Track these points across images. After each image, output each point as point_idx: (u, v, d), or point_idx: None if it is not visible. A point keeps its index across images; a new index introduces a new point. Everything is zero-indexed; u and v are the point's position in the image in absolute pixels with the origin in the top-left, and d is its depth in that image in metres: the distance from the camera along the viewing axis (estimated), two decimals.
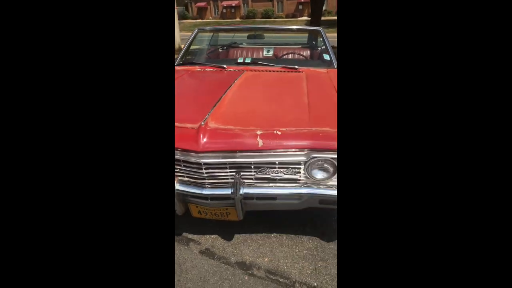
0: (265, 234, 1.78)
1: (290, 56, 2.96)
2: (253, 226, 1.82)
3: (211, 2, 34.62)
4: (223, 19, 32.21)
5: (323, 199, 1.41)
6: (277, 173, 1.37)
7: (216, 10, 34.63)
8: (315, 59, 2.76)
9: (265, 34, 3.18)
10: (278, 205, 1.48)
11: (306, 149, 1.30)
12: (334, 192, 1.38)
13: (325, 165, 1.34)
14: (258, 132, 1.33)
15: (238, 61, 2.51)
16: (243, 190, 1.34)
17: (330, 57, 2.55)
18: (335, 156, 1.30)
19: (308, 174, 1.36)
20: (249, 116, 1.50)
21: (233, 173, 1.38)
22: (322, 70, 2.39)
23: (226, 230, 1.81)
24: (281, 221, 1.87)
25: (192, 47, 2.99)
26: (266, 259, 1.61)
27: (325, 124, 1.38)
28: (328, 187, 1.40)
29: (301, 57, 2.92)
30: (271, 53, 3.10)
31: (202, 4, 34.73)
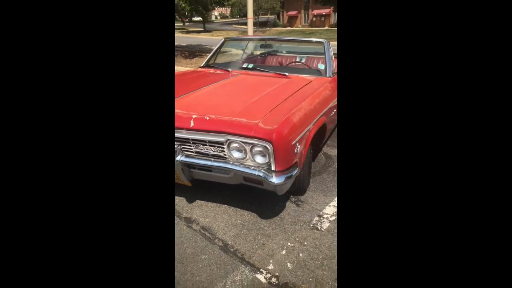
0: (218, 204, 2.20)
1: (293, 64, 3.30)
2: (213, 197, 2.27)
3: (302, 11, 35.32)
4: (311, 27, 32.53)
5: (245, 176, 1.77)
6: (207, 150, 1.79)
7: (306, 19, 35.17)
8: (313, 68, 3.00)
9: (287, 44, 3.56)
10: (215, 177, 1.89)
11: (223, 133, 1.69)
12: (254, 172, 1.72)
13: (239, 147, 1.71)
14: (193, 116, 1.78)
15: (243, 66, 2.97)
16: (181, 158, 1.81)
17: (326, 67, 2.78)
18: (245, 140, 1.65)
19: (229, 153, 1.74)
20: (200, 105, 1.96)
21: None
22: (310, 77, 2.67)
23: (192, 196, 2.30)
24: (235, 197, 2.26)
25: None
26: (207, 220, 2.04)
27: (246, 116, 1.74)
28: (247, 167, 1.75)
29: (305, 66, 3.19)
30: (303, 60, 3.46)
31: (294, 12, 35.71)
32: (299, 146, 1.77)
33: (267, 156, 1.66)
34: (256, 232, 1.90)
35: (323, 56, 2.93)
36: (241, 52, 3.85)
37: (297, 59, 3.99)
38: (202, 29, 27.50)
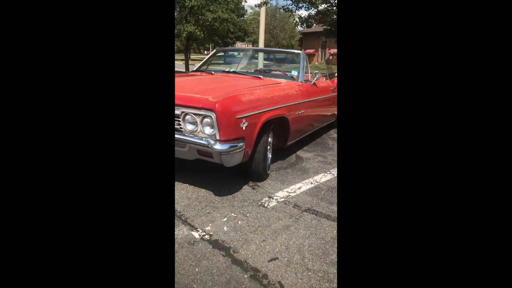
0: (181, 182, 2.36)
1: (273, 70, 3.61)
2: (178, 177, 2.43)
3: (320, 49, 36.77)
4: (327, 64, 33.58)
5: (198, 149, 1.95)
6: None
7: (323, 57, 36.48)
8: (287, 75, 3.26)
9: None
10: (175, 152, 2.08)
11: (179, 105, 1.91)
12: (201, 141, 1.90)
13: (191, 119, 1.91)
14: None
15: (225, 70, 3.27)
16: None
17: (298, 73, 3.04)
18: (195, 112, 1.86)
19: (184, 126, 1.95)
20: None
21: None
22: (282, 80, 2.92)
23: None
24: (197, 178, 2.43)
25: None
26: None
27: (201, 93, 1.97)
28: (198, 138, 1.93)
29: (282, 73, 3.47)
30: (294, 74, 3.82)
31: (311, 50, 37.22)
32: (246, 123, 1.95)
33: (214, 127, 1.85)
34: (205, 204, 2.04)
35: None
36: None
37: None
38: (222, 61, 28.96)
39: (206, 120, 1.88)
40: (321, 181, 2.51)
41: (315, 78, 3.13)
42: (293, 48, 38.94)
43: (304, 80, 3.05)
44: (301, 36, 38.15)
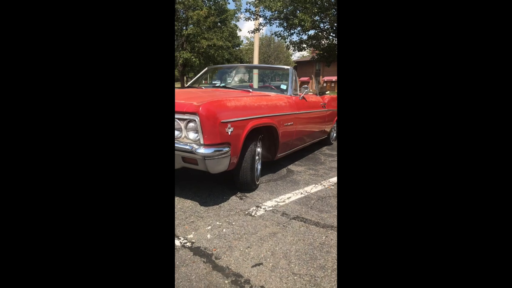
0: None
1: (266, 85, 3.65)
2: None
3: (313, 77, 37.78)
4: (321, 91, 34.37)
5: (183, 156, 1.90)
6: None
7: (317, 84, 37.42)
8: (276, 88, 3.29)
9: None
10: None
11: None
12: (185, 146, 1.85)
13: (176, 125, 1.88)
14: None
15: (216, 85, 3.30)
16: None
17: (287, 87, 3.07)
18: (180, 116, 1.84)
19: None
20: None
21: None
22: (268, 93, 2.94)
23: None
24: (185, 189, 2.36)
25: None
26: None
27: (187, 100, 1.94)
28: (184, 143, 1.89)
29: (273, 87, 3.50)
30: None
31: (305, 78, 38.23)
32: (231, 128, 1.92)
33: (198, 132, 1.82)
34: (190, 214, 1.95)
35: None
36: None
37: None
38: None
39: (191, 124, 1.85)
40: (311, 192, 2.45)
41: (304, 92, 3.16)
42: (287, 77, 40.09)
43: (293, 94, 3.08)
44: (296, 64, 39.41)
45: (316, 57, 9.80)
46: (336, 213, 2.04)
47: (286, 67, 3.31)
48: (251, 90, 2.96)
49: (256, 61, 10.54)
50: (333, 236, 1.72)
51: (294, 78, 3.15)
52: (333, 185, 2.64)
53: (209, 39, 9.83)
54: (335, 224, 1.86)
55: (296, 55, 42.01)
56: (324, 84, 36.02)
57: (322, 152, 4.03)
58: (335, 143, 4.70)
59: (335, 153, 4.04)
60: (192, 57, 9.90)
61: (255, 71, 11.92)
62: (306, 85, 3.26)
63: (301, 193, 2.40)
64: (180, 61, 10.23)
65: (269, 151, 2.73)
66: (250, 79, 4.79)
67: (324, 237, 1.70)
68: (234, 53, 16.34)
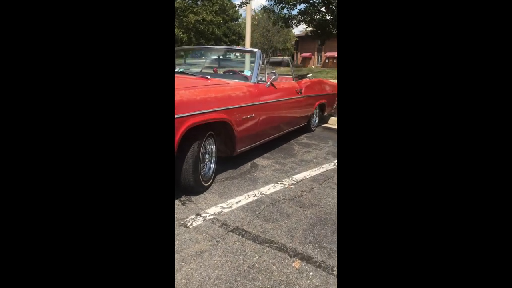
0: None
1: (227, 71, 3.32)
2: None
3: (316, 53, 36.64)
4: (323, 67, 33.49)
5: None
6: None
7: (319, 60, 36.37)
8: (239, 74, 2.98)
9: None
10: None
11: None
12: None
13: None
14: None
15: (176, 70, 3.00)
16: None
17: (251, 73, 2.77)
18: None
19: None
20: None
21: None
22: (231, 81, 2.65)
23: None
24: None
25: None
26: None
27: None
28: None
29: (239, 73, 3.18)
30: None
31: (307, 54, 37.11)
32: None
33: None
34: None
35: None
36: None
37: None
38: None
39: None
40: (266, 193, 2.23)
41: (271, 79, 2.86)
42: (288, 51, 38.85)
43: (258, 81, 2.79)
44: (297, 39, 38.12)
45: (310, 34, 9.25)
46: (284, 222, 1.83)
47: (253, 50, 2.97)
48: (209, 77, 2.66)
49: (248, 37, 10.01)
50: (267, 256, 1.51)
51: (260, 63, 2.84)
52: (294, 184, 2.42)
53: (198, 13, 9.28)
54: (276, 238, 1.65)
55: (299, 29, 40.56)
56: (327, 60, 35.00)
57: (298, 141, 3.78)
58: (317, 130, 4.44)
59: (312, 142, 3.79)
60: (179, 33, 9.40)
61: (248, 54, 11.47)
62: (274, 71, 2.95)
63: (254, 196, 2.18)
64: None
65: (227, 146, 2.49)
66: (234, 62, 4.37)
67: (256, 257, 1.50)
68: (233, 28, 15.70)
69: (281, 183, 2.43)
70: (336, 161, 3.07)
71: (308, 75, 4.25)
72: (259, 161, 2.95)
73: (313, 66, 36.49)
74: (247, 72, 2.82)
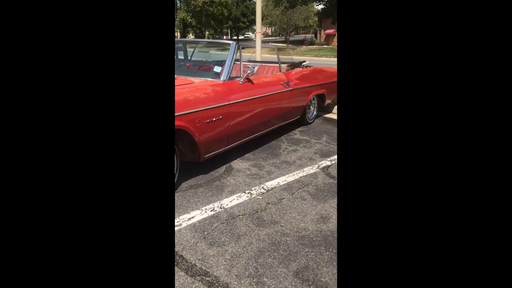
0: None
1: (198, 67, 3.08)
2: None
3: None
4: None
5: None
6: None
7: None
8: (209, 71, 2.73)
9: None
10: None
11: None
12: None
13: None
14: None
15: None
16: None
17: (222, 69, 2.52)
18: None
19: None
20: None
21: None
22: (197, 79, 2.44)
23: None
24: None
25: None
26: None
27: None
28: None
29: (207, 69, 2.93)
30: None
31: (331, 31, 35.33)
32: None
33: None
34: None
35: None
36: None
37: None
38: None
39: None
40: (227, 207, 2.04)
41: (247, 74, 2.60)
42: (310, 29, 37.17)
43: (231, 77, 2.54)
44: (320, 16, 36.35)
45: (321, 11, 8.59)
46: (230, 246, 1.63)
47: (227, 42, 2.70)
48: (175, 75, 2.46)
49: (258, 14, 9.49)
50: None
51: (232, 57, 2.57)
52: (262, 194, 2.20)
53: None
54: (212, 269, 1.45)
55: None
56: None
57: (289, 137, 3.51)
58: (316, 122, 4.13)
59: (304, 137, 3.51)
60: (187, 17, 9.11)
61: (258, 31, 11.00)
62: (250, 65, 2.67)
63: (212, 210, 2.00)
64: (176, 22, 9.51)
65: (193, 151, 2.31)
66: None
67: None
68: (251, 7, 15.05)
69: (248, 193, 2.22)
70: (321, 162, 2.81)
71: (303, 63, 3.90)
72: (236, 163, 2.76)
73: (336, 44, 34.78)
74: (217, 69, 2.58)
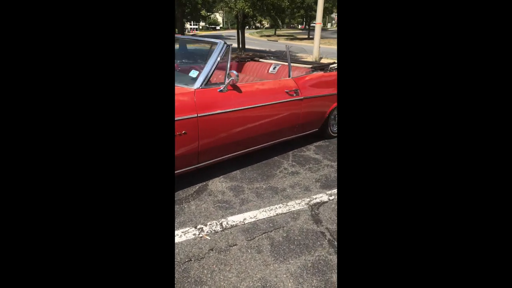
0: None
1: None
2: None
3: None
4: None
5: None
6: None
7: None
8: (187, 75, 2.31)
9: None
10: None
11: None
12: None
13: None
14: None
15: None
16: None
17: (198, 74, 2.12)
18: None
19: None
20: None
21: None
22: None
23: None
24: None
25: None
26: None
27: None
28: None
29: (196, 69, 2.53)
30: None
31: None
32: None
33: None
34: None
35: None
36: None
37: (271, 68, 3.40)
38: (307, 36, 27.20)
39: None
40: None
41: (228, 81, 2.15)
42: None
43: (209, 85, 2.13)
44: None
45: None
46: None
47: (215, 41, 2.27)
48: None
49: (320, 3, 8.66)
50: None
51: (216, 60, 2.15)
52: (214, 233, 1.76)
53: None
54: None
55: None
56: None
57: (297, 154, 2.95)
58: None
59: (317, 156, 2.91)
60: (245, 7, 8.77)
61: (318, 21, 10.17)
62: (234, 70, 2.21)
63: None
64: (234, 12, 9.29)
65: None
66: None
67: None
68: None
69: (199, 229, 1.83)
70: (316, 196, 2.23)
71: (331, 65, 3.23)
72: (214, 182, 2.37)
73: None
74: (193, 73, 2.18)
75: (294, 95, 2.64)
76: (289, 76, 2.76)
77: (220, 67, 2.28)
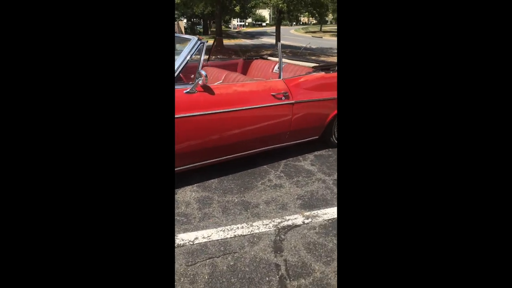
0: None
1: None
2: None
3: None
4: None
5: None
6: None
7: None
8: None
9: None
10: None
11: None
12: None
13: None
14: None
15: None
16: None
17: None
18: None
19: None
20: None
21: None
22: None
23: None
24: None
25: None
26: None
27: None
28: None
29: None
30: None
31: None
32: None
33: None
34: None
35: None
36: None
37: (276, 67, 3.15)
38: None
39: None
40: None
41: (196, 82, 1.94)
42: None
43: (177, 84, 1.94)
44: None
45: None
46: None
47: (188, 37, 2.06)
48: None
49: None
50: None
51: (185, 59, 1.94)
52: None
53: None
54: None
55: None
56: None
57: (289, 164, 2.64)
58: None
59: (312, 168, 2.58)
60: (279, 2, 8.43)
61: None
62: (203, 70, 1.98)
63: None
64: (270, 7, 8.98)
65: None
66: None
67: None
68: None
69: None
70: (290, 217, 1.93)
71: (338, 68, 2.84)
72: (185, 191, 2.18)
73: None
74: None
75: (283, 98, 2.33)
76: (279, 77, 2.46)
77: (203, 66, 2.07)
